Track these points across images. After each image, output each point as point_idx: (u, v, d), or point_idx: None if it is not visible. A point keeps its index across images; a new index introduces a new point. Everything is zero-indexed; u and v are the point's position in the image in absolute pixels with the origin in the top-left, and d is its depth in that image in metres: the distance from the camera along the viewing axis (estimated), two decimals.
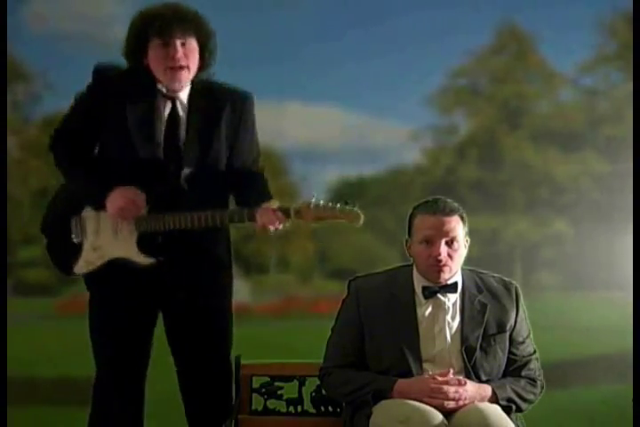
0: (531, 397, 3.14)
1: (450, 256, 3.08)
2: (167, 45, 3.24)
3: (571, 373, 8.50)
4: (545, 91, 24.82)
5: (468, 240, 3.16)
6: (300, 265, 24.12)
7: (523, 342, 3.17)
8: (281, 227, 3.24)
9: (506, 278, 3.22)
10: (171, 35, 3.23)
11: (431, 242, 3.08)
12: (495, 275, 3.22)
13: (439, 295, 3.11)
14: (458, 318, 3.12)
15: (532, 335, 3.21)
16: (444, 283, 3.12)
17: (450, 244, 3.08)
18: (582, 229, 22.79)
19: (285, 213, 3.22)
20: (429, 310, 3.12)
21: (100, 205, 3.29)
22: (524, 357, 3.17)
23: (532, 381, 3.16)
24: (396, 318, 3.10)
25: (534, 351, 3.20)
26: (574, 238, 23.26)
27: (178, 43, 3.24)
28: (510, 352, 3.15)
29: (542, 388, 3.19)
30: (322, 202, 3.20)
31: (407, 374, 3.07)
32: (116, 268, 3.30)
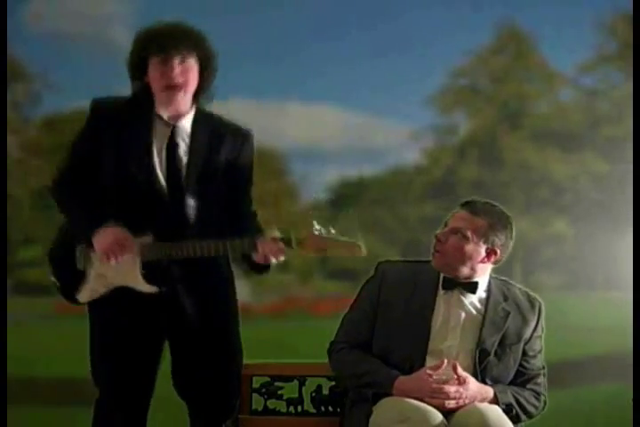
0: (531, 409, 3.16)
1: (447, 244, 3.11)
2: (165, 62, 3.23)
3: (571, 373, 8.49)
4: (545, 91, 24.81)
5: (498, 252, 3.16)
6: (300, 265, 24.11)
7: (534, 357, 3.20)
8: (282, 259, 3.24)
9: (531, 293, 3.28)
10: (169, 51, 3.22)
11: (444, 227, 3.14)
12: (522, 288, 3.27)
13: (459, 294, 3.14)
14: (477, 320, 3.14)
15: (543, 352, 3.23)
16: (447, 274, 3.15)
17: (455, 233, 3.12)
18: (582, 229, 22.79)
19: (287, 243, 3.21)
20: (448, 304, 3.15)
21: (88, 244, 3.27)
22: (532, 370, 3.19)
23: (537, 394, 3.18)
24: (413, 307, 3.13)
25: (543, 367, 3.22)
26: (574, 238, 23.25)
27: (176, 60, 3.23)
28: (520, 365, 3.18)
29: (545, 404, 3.20)
30: (324, 232, 3.19)
31: (407, 361, 3.08)
32: (119, 296, 3.29)
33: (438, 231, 3.17)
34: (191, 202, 3.28)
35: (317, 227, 3.20)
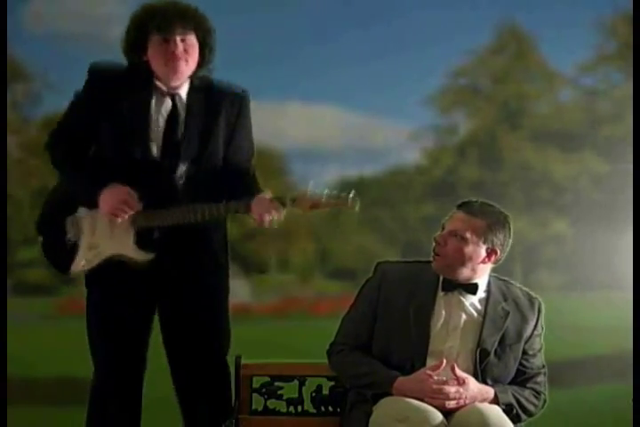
0: (531, 408, 3.16)
1: (447, 246, 3.11)
2: (167, 41, 3.25)
3: (571, 373, 8.49)
4: (545, 91, 24.80)
5: (498, 252, 3.16)
6: (299, 265, 24.09)
7: (534, 356, 3.20)
8: (277, 217, 3.25)
9: (531, 293, 3.28)
10: (171, 31, 3.24)
11: (442, 230, 3.12)
12: (522, 288, 3.27)
13: (459, 295, 3.14)
14: (477, 320, 3.13)
15: (543, 350, 3.23)
16: (447, 276, 3.15)
17: (454, 235, 3.12)
18: (582, 229, 22.78)
19: (281, 202, 3.22)
20: (448, 305, 3.15)
21: (93, 205, 3.29)
22: (532, 369, 3.19)
23: (537, 393, 3.18)
24: (413, 309, 3.13)
25: (543, 366, 3.22)
26: (574, 238, 23.25)
27: (178, 39, 3.25)
28: (520, 364, 3.18)
29: (544, 403, 3.20)
30: (317, 190, 3.21)
31: (407, 362, 3.08)
32: (113, 266, 3.30)
33: (437, 234, 3.16)
34: (184, 170, 3.30)
35: (310, 187, 3.22)
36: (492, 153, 24.24)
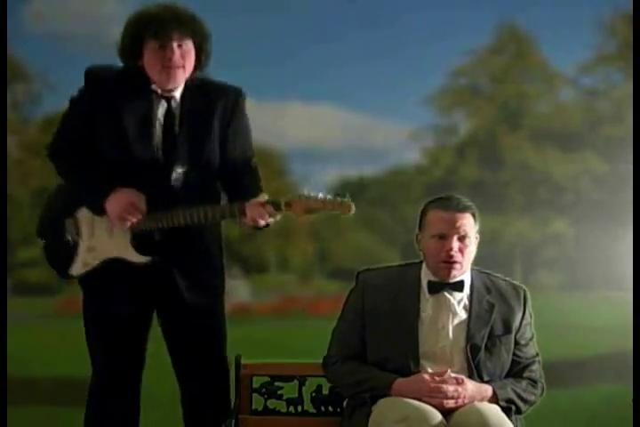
0: (531, 398, 3.15)
1: (461, 252, 3.10)
2: (164, 47, 3.23)
3: (571, 373, 8.48)
4: (545, 91, 24.81)
5: (478, 237, 3.18)
6: (299, 265, 24.11)
7: (526, 345, 3.19)
8: (272, 221, 3.25)
9: (515, 282, 3.26)
10: (168, 37, 3.22)
11: (444, 237, 3.10)
12: (505, 278, 3.25)
13: (445, 293, 3.13)
14: (464, 317, 3.13)
15: (535, 339, 3.22)
16: (452, 280, 3.13)
17: (462, 240, 3.10)
18: (582, 229, 22.79)
19: (276, 206, 3.22)
20: (434, 306, 3.14)
21: (100, 210, 3.29)
22: (527, 359, 3.18)
23: (534, 382, 3.18)
24: (398, 313, 3.12)
25: (537, 354, 3.21)
26: (574, 238, 23.25)
27: (175, 45, 3.24)
28: (514, 354, 3.17)
29: (543, 390, 3.20)
30: (312, 194, 3.19)
31: (404, 368, 3.08)
32: (110, 268, 3.30)
33: (449, 245, 3.09)
34: (181, 171, 3.29)
35: (306, 191, 3.21)
36: (492, 153, 24.24)
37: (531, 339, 3.21)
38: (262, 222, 3.24)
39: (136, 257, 3.29)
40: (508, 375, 3.17)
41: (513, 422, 3.04)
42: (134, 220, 3.26)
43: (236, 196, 3.32)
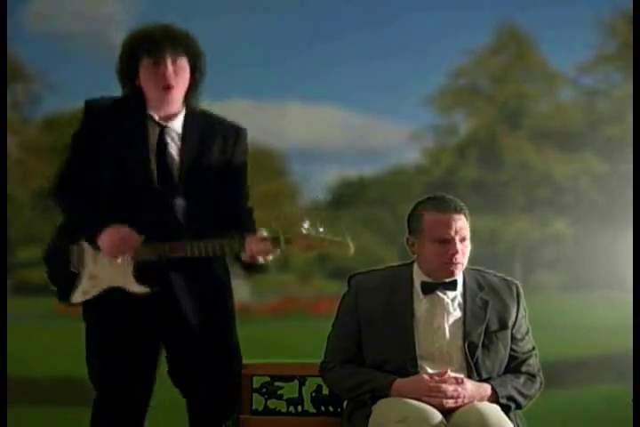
0: (531, 392, 3.16)
1: (462, 253, 3.11)
2: (158, 64, 3.25)
3: (571, 373, 8.49)
4: (545, 91, 24.81)
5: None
6: (299, 265, 24.10)
7: (522, 339, 3.20)
8: (271, 258, 3.25)
9: (507, 277, 3.25)
10: (161, 53, 3.24)
11: (446, 241, 3.09)
12: (497, 274, 3.25)
13: (438, 292, 3.14)
14: (458, 315, 3.14)
15: (530, 333, 3.23)
16: (442, 280, 3.14)
17: (462, 241, 3.11)
18: (582, 229, 22.78)
19: (276, 242, 3.22)
20: (428, 306, 3.14)
21: (94, 244, 3.29)
22: (523, 353, 3.19)
23: (532, 377, 3.18)
24: (393, 315, 3.12)
25: (533, 348, 3.22)
26: (574, 238, 23.24)
27: (168, 61, 3.25)
28: (511, 349, 3.18)
29: (541, 384, 3.20)
30: (312, 231, 3.18)
31: (402, 369, 3.08)
32: (113, 297, 3.29)
33: (453, 248, 3.09)
34: (181, 202, 3.29)
35: (306, 226, 3.20)
36: (491, 153, 24.25)
37: (526, 333, 3.22)
38: (261, 260, 3.25)
39: (136, 287, 3.28)
40: (505, 370, 3.17)
41: (512, 419, 3.05)
42: (124, 255, 3.26)
43: (235, 230, 3.30)
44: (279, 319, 17.00)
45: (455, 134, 25.57)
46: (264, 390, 3.38)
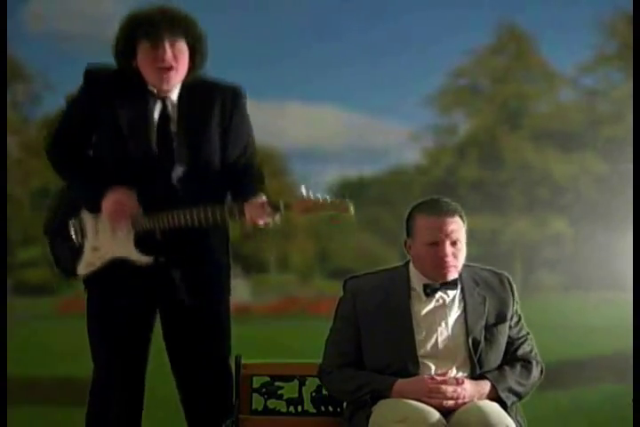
0: (530, 380, 3.16)
1: (454, 256, 3.10)
2: (156, 47, 3.23)
3: (571, 373, 8.49)
4: (545, 91, 24.83)
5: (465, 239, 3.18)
6: (299, 265, 24.12)
7: (516, 326, 3.21)
8: (271, 221, 3.24)
9: (495, 270, 3.27)
10: (159, 36, 3.22)
11: (436, 243, 3.09)
12: (484, 267, 3.26)
13: (440, 292, 3.14)
14: (459, 312, 3.14)
15: (523, 319, 3.23)
16: (443, 281, 3.14)
17: (454, 244, 3.10)
18: (582, 229, 22.80)
19: (275, 206, 3.22)
20: (429, 307, 3.14)
21: (96, 210, 3.29)
22: (517, 339, 3.20)
23: (528, 363, 3.18)
24: (391, 317, 3.12)
25: (527, 333, 3.22)
26: (574, 238, 23.27)
27: (167, 44, 3.23)
28: (507, 336, 3.18)
29: (542, 368, 3.20)
30: (311, 194, 3.19)
31: (403, 371, 3.08)
32: (114, 268, 3.30)
33: (442, 251, 3.09)
34: (181, 170, 3.29)
35: (305, 191, 3.20)
36: (491, 153, 24.26)
37: (519, 320, 3.23)
38: (261, 222, 3.24)
39: (139, 257, 3.29)
40: (502, 358, 3.17)
41: (512, 416, 3.05)
42: (123, 218, 3.26)
43: (237, 195, 3.32)
44: (279, 319, 17.00)
45: (455, 134, 25.60)
46: (264, 390, 3.38)
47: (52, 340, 12.32)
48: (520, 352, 3.18)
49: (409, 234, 3.18)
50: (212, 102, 3.33)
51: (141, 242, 3.29)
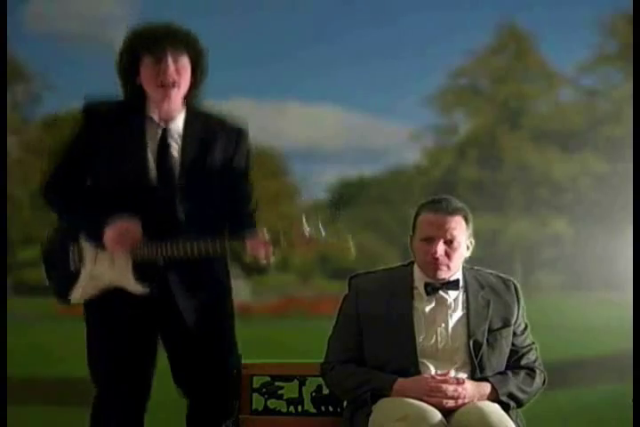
0: (531, 388, 3.16)
1: (448, 255, 3.10)
2: (159, 62, 3.22)
3: (571, 373, 8.49)
4: (545, 91, 24.85)
5: (473, 242, 3.17)
6: (300, 265, 24.12)
7: (522, 334, 3.21)
8: (271, 259, 3.26)
9: (503, 275, 3.26)
10: (162, 51, 3.22)
11: (430, 240, 3.10)
12: (492, 272, 3.26)
13: (441, 292, 3.14)
14: (461, 314, 3.14)
15: (529, 329, 3.23)
16: (443, 280, 3.14)
17: (449, 243, 3.10)
18: (582, 229, 22.81)
19: (276, 241, 3.22)
20: (431, 306, 3.14)
21: (98, 239, 3.26)
22: (522, 347, 3.20)
23: (532, 371, 3.18)
24: (393, 315, 3.12)
25: (532, 342, 3.23)
26: (574, 238, 23.28)
27: (170, 59, 3.22)
28: (512, 344, 3.18)
29: (545, 378, 3.20)
30: (314, 232, 3.19)
31: (403, 369, 3.08)
32: (113, 296, 3.28)
33: (433, 249, 3.09)
34: (182, 202, 3.28)
35: (307, 228, 3.20)
36: (492, 153, 24.28)
37: (525, 328, 3.23)
38: (263, 261, 3.25)
39: (136, 287, 3.27)
40: (506, 365, 3.17)
41: (513, 418, 3.05)
42: (127, 247, 3.24)
43: (235, 227, 3.30)
44: (279, 319, 17.01)
45: (455, 134, 25.63)
46: (264, 390, 3.38)
47: (51, 340, 12.32)
48: (524, 361, 3.18)
49: (413, 230, 3.19)
50: (217, 136, 3.32)
51: (141, 269, 3.27)
